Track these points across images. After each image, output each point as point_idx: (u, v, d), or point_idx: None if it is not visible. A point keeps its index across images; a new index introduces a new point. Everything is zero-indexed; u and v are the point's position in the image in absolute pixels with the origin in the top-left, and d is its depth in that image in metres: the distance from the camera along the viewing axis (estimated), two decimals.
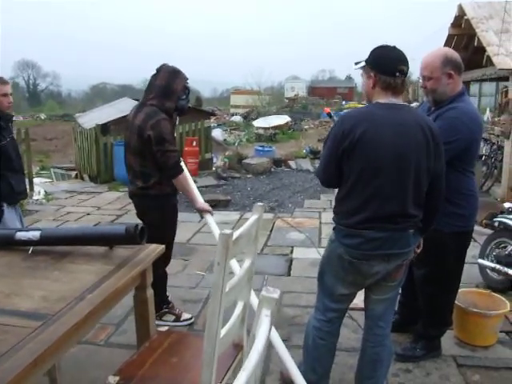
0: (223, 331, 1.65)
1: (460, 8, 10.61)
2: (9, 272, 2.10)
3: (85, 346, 3.05)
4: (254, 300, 2.49)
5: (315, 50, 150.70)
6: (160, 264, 3.08)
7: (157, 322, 3.16)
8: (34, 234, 2.29)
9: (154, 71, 3.20)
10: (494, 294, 3.33)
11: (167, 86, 3.12)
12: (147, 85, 3.24)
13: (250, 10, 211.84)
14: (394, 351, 2.69)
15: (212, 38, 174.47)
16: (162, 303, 3.45)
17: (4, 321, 1.63)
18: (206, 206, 3.30)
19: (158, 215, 3.19)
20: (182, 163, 3.28)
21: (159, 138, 3.04)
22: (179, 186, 3.20)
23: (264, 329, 1.09)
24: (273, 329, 2.50)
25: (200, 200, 3.29)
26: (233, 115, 30.46)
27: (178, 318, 3.48)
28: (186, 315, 3.53)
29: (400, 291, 3.27)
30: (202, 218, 3.38)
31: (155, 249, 2.37)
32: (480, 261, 4.04)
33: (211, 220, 3.27)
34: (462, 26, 10.63)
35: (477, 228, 4.23)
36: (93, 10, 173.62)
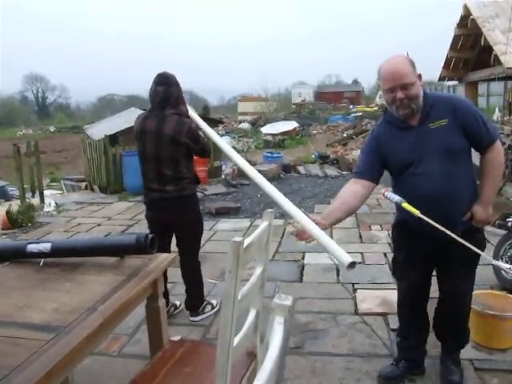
0: (236, 339, 1.63)
1: (465, 8, 10.59)
2: (21, 284, 2.10)
3: (98, 357, 3.04)
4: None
5: (321, 55, 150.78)
6: (191, 262, 3.62)
7: (198, 318, 3.64)
8: (45, 246, 2.29)
9: (162, 81, 3.34)
10: (509, 295, 3.28)
11: (177, 94, 3.35)
12: (162, 95, 3.33)
13: (253, 18, 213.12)
14: None
15: (218, 47, 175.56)
16: (203, 297, 3.74)
17: (16, 333, 1.62)
18: None
19: (194, 213, 3.54)
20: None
21: (195, 141, 3.38)
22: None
23: (277, 337, 1.07)
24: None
25: None
26: (241, 122, 30.54)
27: (213, 306, 3.75)
28: (213, 301, 3.81)
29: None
30: None
31: (166, 258, 2.36)
32: (494, 262, 3.98)
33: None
34: (468, 25, 10.62)
35: (490, 229, 4.20)
36: (97, 23, 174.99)
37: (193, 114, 3.42)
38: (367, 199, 2.59)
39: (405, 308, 2.81)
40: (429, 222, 2.26)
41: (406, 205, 2.33)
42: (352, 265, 1.93)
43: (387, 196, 2.46)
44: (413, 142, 2.41)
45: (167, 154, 3.31)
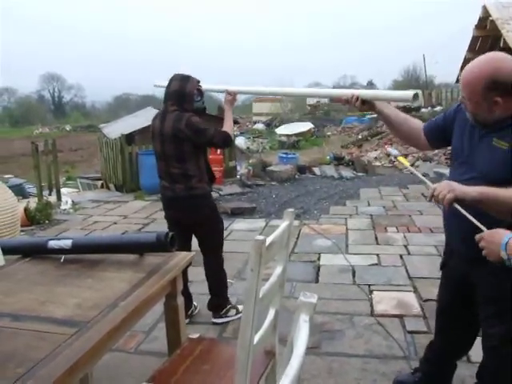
0: (256, 338, 1.64)
1: (484, 9, 10.48)
2: (43, 280, 2.13)
3: (115, 353, 3.06)
4: None
5: (336, 56, 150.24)
6: (212, 261, 3.61)
7: (220, 320, 3.61)
8: (66, 243, 2.32)
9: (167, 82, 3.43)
10: None
11: (180, 91, 3.32)
12: (164, 96, 3.43)
13: (267, 18, 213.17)
14: None
15: (232, 47, 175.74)
16: (226, 299, 3.70)
17: (40, 328, 1.65)
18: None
19: (208, 213, 3.48)
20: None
21: (198, 132, 3.28)
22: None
23: (303, 334, 1.08)
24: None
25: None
26: (255, 123, 30.52)
27: (238, 311, 3.65)
28: (240, 306, 3.70)
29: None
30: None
31: (186, 256, 2.37)
32: None
33: None
34: (487, 27, 10.51)
35: None
36: (114, 26, 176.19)
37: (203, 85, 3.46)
38: (413, 141, 2.38)
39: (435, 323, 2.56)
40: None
41: (400, 158, 2.30)
42: (416, 96, 2.21)
43: (388, 150, 2.45)
44: (471, 142, 2.07)
45: (171, 152, 3.33)
